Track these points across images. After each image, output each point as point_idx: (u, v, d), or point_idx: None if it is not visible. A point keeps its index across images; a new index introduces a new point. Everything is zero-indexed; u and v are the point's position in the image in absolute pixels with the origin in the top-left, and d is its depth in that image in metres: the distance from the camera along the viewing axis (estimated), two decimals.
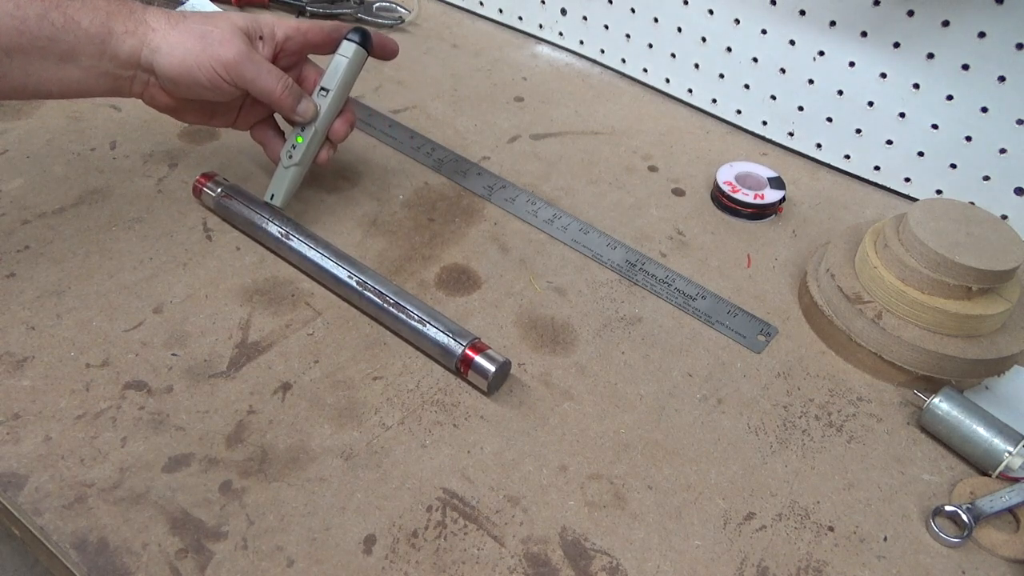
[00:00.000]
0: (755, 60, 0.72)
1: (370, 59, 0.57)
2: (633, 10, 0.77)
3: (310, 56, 0.57)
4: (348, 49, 0.55)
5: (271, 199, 0.57)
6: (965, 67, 0.61)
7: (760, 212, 0.65)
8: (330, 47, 0.56)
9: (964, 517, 0.44)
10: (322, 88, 0.55)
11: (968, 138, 0.63)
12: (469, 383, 0.49)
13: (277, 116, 0.58)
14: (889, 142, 0.68)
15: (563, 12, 0.83)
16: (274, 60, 0.53)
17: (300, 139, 0.55)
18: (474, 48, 0.85)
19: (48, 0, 0.45)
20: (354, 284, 0.52)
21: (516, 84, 0.80)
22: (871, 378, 0.53)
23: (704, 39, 0.74)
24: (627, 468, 0.46)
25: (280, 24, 0.53)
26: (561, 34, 0.85)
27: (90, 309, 0.50)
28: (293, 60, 0.55)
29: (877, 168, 0.70)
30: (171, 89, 0.51)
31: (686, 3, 0.73)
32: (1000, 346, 0.51)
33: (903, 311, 0.51)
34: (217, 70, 0.49)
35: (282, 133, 0.58)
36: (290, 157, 0.56)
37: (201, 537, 0.40)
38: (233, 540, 0.40)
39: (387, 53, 0.58)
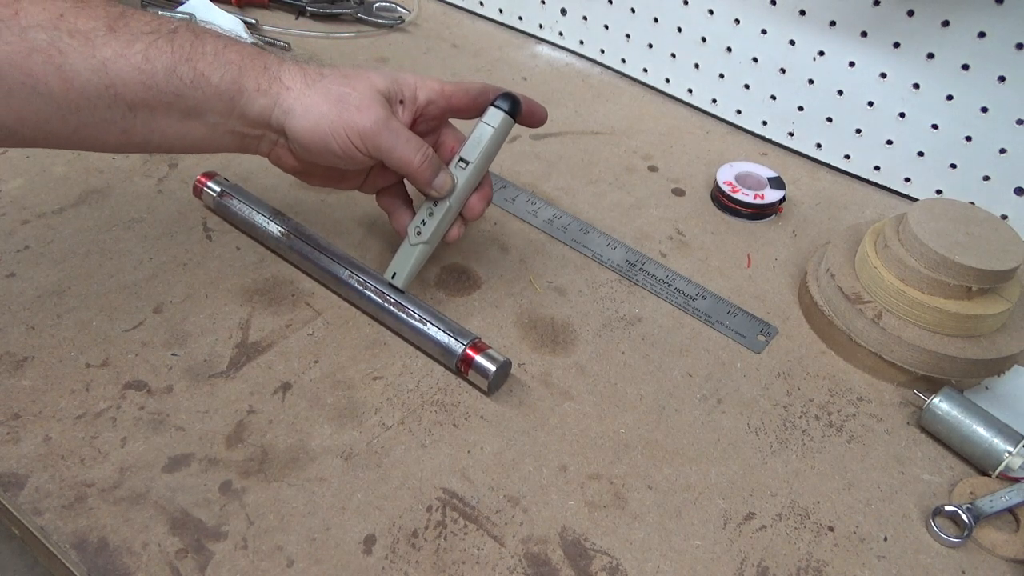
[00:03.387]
0: (755, 60, 0.72)
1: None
2: (633, 10, 0.77)
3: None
4: (495, 118, 0.49)
5: (392, 278, 0.51)
6: (965, 67, 0.61)
7: (760, 212, 0.65)
8: (474, 112, 0.50)
9: (964, 517, 0.44)
10: (461, 159, 0.49)
11: (968, 138, 0.63)
12: (469, 383, 0.49)
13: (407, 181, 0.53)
14: (889, 142, 0.68)
15: (563, 12, 0.83)
16: (412, 124, 0.49)
17: (432, 214, 0.50)
18: (474, 48, 0.86)
19: (178, 53, 0.41)
20: (354, 284, 0.52)
21: (516, 84, 0.80)
22: (871, 378, 0.53)
23: (704, 39, 0.74)
24: (627, 468, 0.46)
25: (423, 85, 0.48)
26: (561, 34, 0.85)
27: (90, 309, 0.50)
28: (433, 125, 0.51)
29: (877, 168, 0.70)
30: (300, 153, 0.47)
31: (686, 3, 0.73)
32: (1000, 346, 0.51)
33: (903, 311, 0.51)
34: (352, 138, 0.44)
35: (410, 202, 0.53)
36: (418, 234, 0.50)
37: (201, 537, 0.40)
38: (233, 540, 0.40)
39: (535, 121, 0.53)
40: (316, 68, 0.46)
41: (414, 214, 0.51)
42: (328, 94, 0.44)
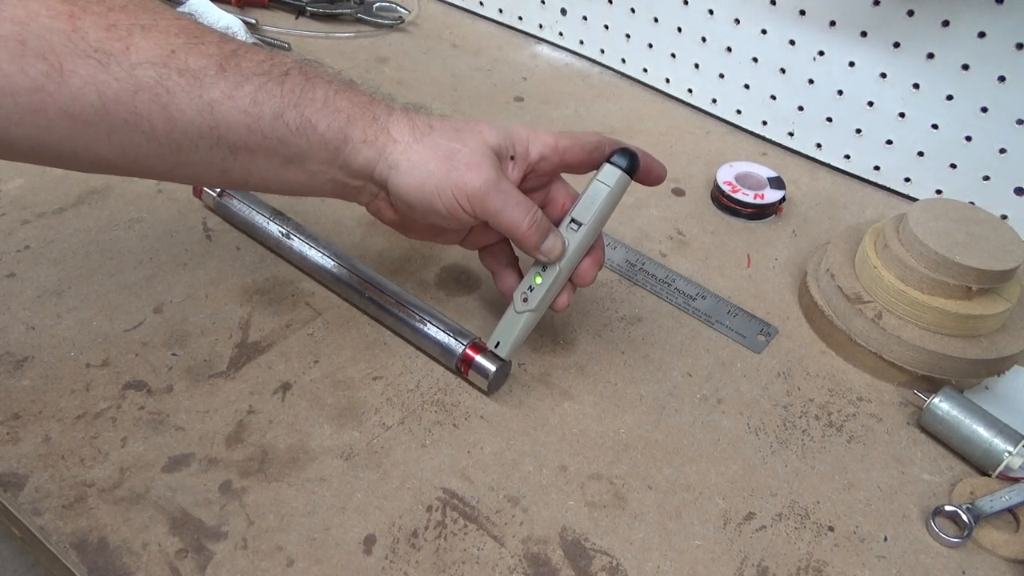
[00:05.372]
0: (755, 60, 0.72)
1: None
2: (633, 10, 0.77)
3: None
4: (611, 176, 0.45)
5: (496, 347, 0.48)
6: (965, 67, 0.61)
7: (760, 212, 0.65)
8: (588, 167, 0.47)
9: (964, 517, 0.44)
10: (573, 220, 0.46)
11: (968, 138, 0.63)
12: (469, 383, 0.49)
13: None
14: (889, 142, 0.68)
15: (563, 12, 0.83)
16: (522, 180, 0.46)
17: (539, 278, 0.46)
18: (474, 48, 0.86)
19: (287, 97, 0.39)
20: (354, 284, 0.52)
21: (516, 84, 0.80)
22: (871, 378, 0.53)
23: (704, 39, 0.74)
24: (627, 468, 0.46)
25: (536, 140, 0.45)
26: (561, 34, 0.85)
27: (90, 309, 0.50)
28: (543, 180, 0.48)
29: (877, 168, 0.70)
30: (403, 209, 0.44)
31: (686, 3, 0.73)
32: (1000, 346, 0.51)
33: (903, 311, 0.51)
34: (458, 198, 0.42)
35: (516, 261, 0.50)
36: (525, 300, 0.46)
37: (201, 537, 0.40)
38: (233, 540, 0.40)
39: (652, 179, 0.48)
40: (426, 119, 0.44)
41: (519, 275, 0.49)
42: (437, 149, 0.42)
